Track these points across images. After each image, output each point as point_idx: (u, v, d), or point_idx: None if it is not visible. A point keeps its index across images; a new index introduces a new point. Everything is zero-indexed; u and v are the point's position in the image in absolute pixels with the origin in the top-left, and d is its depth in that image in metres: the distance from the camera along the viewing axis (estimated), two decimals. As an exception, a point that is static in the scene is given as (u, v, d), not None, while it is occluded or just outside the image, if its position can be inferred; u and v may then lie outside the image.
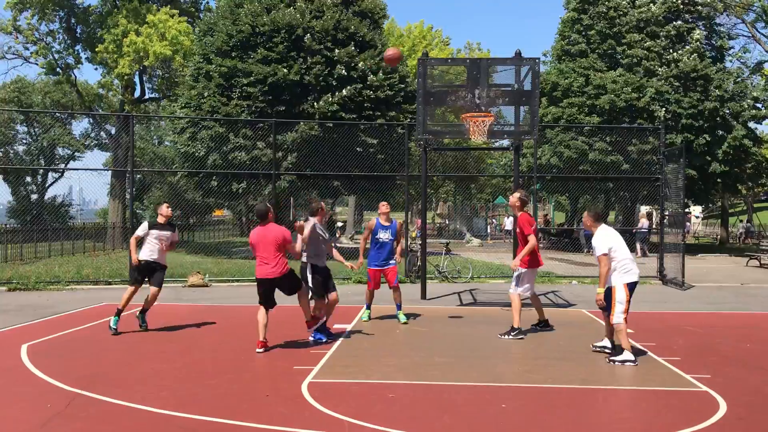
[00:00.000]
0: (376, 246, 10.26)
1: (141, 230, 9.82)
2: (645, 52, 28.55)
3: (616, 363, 7.63)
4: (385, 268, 10.36)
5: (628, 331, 8.00)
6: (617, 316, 7.72)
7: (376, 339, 9.14)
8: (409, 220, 18.69)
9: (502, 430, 5.37)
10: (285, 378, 6.96)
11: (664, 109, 26.80)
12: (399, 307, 10.52)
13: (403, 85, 23.44)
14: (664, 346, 8.70)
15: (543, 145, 27.92)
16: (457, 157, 37.42)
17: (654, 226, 33.53)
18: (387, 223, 10.32)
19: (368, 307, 10.72)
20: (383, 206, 10.38)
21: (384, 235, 10.24)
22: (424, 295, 13.33)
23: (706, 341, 9.17)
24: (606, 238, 7.89)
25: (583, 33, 30.88)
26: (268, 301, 8.52)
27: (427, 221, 55.38)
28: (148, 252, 9.72)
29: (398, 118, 22.58)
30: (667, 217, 17.01)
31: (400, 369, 7.36)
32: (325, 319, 9.06)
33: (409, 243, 17.65)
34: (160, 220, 9.94)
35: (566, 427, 5.53)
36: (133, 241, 10.10)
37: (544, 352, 8.34)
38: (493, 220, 46.16)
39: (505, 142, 23.82)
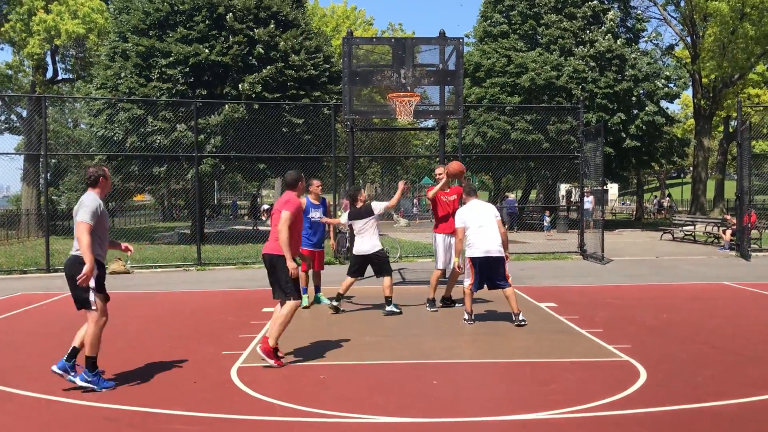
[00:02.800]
0: (309, 226, 9.91)
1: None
2: (562, 32, 29.24)
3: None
4: (318, 250, 10.22)
5: (552, 304, 8.26)
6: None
7: (304, 321, 9.09)
8: (336, 202, 18.63)
9: (433, 405, 5.44)
10: (213, 364, 6.83)
11: (580, 87, 27.56)
12: (318, 289, 10.42)
13: (327, 65, 23.23)
14: (586, 319, 9.00)
15: (467, 125, 28.28)
16: (384, 139, 37.49)
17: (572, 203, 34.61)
18: (317, 202, 10.10)
19: (305, 292, 10.16)
20: (315, 184, 10.11)
21: (316, 215, 10.05)
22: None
23: (626, 313, 9.54)
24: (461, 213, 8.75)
25: (505, 14, 31.36)
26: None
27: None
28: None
29: (324, 98, 22.38)
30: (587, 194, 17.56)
31: (330, 350, 7.34)
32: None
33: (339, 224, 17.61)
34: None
35: (495, 400, 5.66)
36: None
37: (471, 328, 8.48)
38: (419, 201, 46.61)
39: (431, 123, 24.05)
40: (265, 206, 44.10)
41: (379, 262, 9.50)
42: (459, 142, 19.02)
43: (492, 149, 26.83)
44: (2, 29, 27.70)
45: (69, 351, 6.09)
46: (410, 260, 17.07)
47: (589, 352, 7.19)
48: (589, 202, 30.04)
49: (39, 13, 26.04)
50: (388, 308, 9.47)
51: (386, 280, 9.46)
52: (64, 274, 6.19)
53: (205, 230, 24.95)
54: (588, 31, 29.34)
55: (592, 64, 28.21)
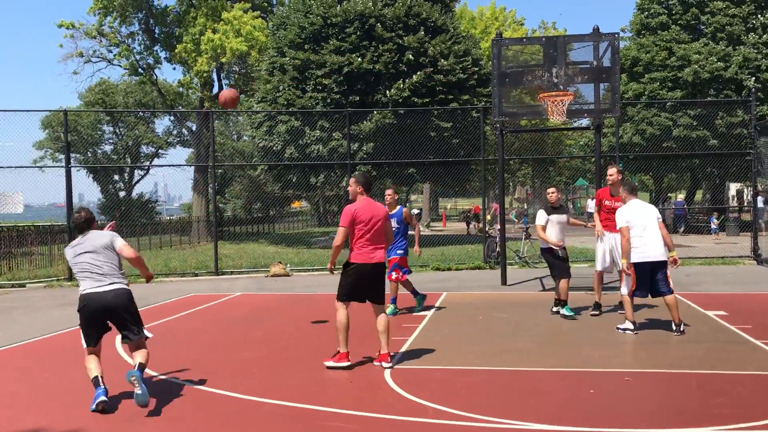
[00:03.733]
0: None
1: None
2: (729, 18, 27.14)
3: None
4: (390, 257, 9.47)
5: (721, 312, 7.70)
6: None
7: (456, 326, 9.07)
8: (485, 206, 18.48)
9: (591, 414, 5.23)
10: (368, 365, 6.99)
11: (753, 78, 25.43)
12: (392, 301, 9.77)
13: (476, 68, 23.14)
14: (761, 328, 8.27)
15: (624, 123, 27.01)
16: (535, 140, 36.71)
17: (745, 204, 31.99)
18: (393, 212, 9.71)
19: (393, 302, 9.78)
20: (388, 194, 9.91)
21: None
22: (504, 281, 13.15)
23: (807, 323, 8.66)
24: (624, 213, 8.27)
25: (664, 4, 29.62)
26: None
27: (507, 206, 54.50)
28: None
29: (472, 101, 22.33)
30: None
31: (481, 355, 7.28)
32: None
33: (486, 228, 17.47)
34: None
35: (656, 412, 5.34)
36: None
37: (631, 337, 8.07)
38: (573, 203, 45.14)
39: (585, 122, 23.23)
40: (415, 210, 44.52)
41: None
42: (616, 141, 18.20)
43: (652, 148, 25.44)
44: (176, 51, 30.17)
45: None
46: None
47: (764, 365, 6.60)
48: (762, 202, 27.72)
49: (207, 33, 28.10)
50: (561, 311, 9.43)
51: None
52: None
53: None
54: (759, 16, 27.02)
55: (766, 51, 25.94)
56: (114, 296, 5.93)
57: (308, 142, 22.00)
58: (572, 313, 9.25)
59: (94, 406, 5.56)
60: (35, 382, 6.70)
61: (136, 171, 50.55)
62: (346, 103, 21.74)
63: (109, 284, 5.95)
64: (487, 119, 18.24)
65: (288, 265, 16.50)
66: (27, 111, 18.35)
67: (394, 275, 9.55)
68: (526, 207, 49.39)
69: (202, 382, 6.45)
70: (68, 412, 5.67)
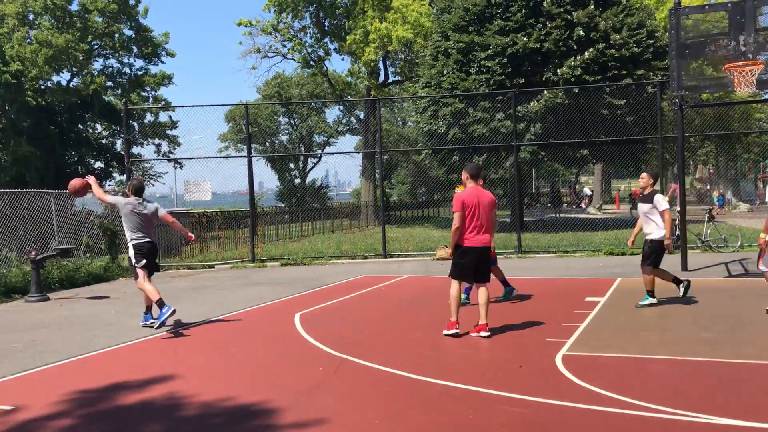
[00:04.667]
0: None
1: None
2: None
3: None
4: None
5: None
6: None
7: (633, 313, 8.66)
8: (664, 187, 17.39)
9: (788, 413, 4.79)
10: (538, 350, 6.89)
11: None
12: (465, 290, 9.36)
13: (651, 41, 21.77)
14: None
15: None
16: (718, 115, 33.88)
17: None
18: None
19: (466, 291, 9.42)
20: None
21: None
22: (684, 267, 12.37)
23: None
24: None
25: None
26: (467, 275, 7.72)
27: (687, 187, 51.09)
28: None
29: (647, 76, 21.05)
30: None
31: (661, 344, 6.90)
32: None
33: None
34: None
35: None
36: None
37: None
38: (764, 183, 41.26)
39: (777, 93, 21.05)
40: (587, 191, 42.88)
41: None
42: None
43: None
44: (345, 42, 31.22)
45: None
46: (753, 249, 15.20)
47: None
48: None
49: (375, 23, 28.79)
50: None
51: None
52: None
53: (525, 218, 25.24)
54: None
55: None
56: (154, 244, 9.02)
57: (470, 122, 21.88)
58: (652, 300, 8.94)
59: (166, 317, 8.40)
60: (224, 355, 7.29)
61: (309, 159, 53.09)
62: (511, 85, 21.35)
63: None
64: (664, 94, 17.11)
65: (454, 249, 16.58)
66: (211, 105, 19.92)
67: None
68: (708, 187, 45.84)
69: (374, 360, 6.68)
70: (253, 383, 6.12)
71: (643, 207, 8.90)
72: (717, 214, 17.59)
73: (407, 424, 4.91)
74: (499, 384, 5.74)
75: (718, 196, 33.96)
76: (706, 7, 13.02)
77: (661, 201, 8.72)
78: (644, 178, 8.97)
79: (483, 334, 7.50)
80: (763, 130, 36.47)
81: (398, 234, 23.29)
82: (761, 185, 41.48)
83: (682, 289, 9.20)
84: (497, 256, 9.71)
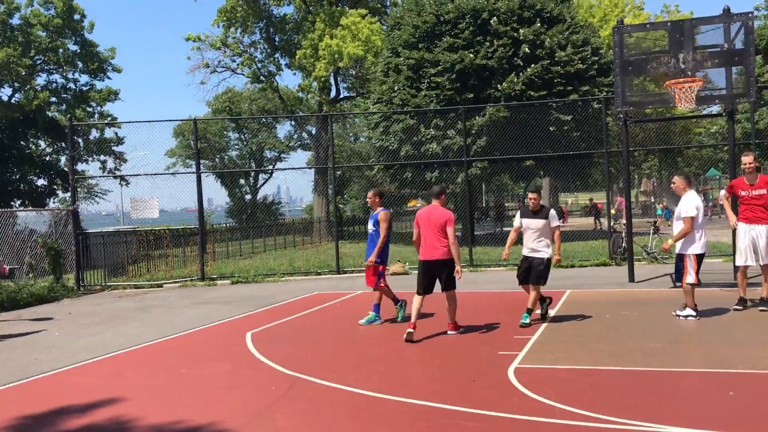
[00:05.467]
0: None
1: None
2: None
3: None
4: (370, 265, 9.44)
5: None
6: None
7: (582, 324, 8.80)
8: (609, 200, 17.80)
9: (731, 419, 4.91)
10: (490, 363, 6.92)
11: None
12: (374, 308, 9.56)
13: (596, 58, 22.36)
14: None
15: (760, 108, 25.22)
16: (661, 130, 34.92)
17: None
18: (372, 213, 9.59)
19: (375, 309, 9.58)
20: (368, 198, 9.67)
21: (369, 227, 9.58)
22: (632, 278, 12.63)
23: None
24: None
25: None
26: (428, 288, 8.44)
27: (633, 200, 52.27)
28: None
29: (592, 92, 21.59)
30: None
31: (611, 355, 7.02)
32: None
33: (611, 224, 16.85)
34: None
35: (811, 419, 4.93)
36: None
37: (776, 336, 7.52)
38: (705, 195, 42.59)
39: (715, 109, 21.88)
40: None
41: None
42: (752, 127, 17.01)
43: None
44: (295, 57, 31.18)
45: None
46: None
47: None
48: None
49: (325, 39, 28.85)
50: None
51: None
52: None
53: (476, 232, 25.47)
54: None
55: None
56: None
57: (423, 140, 22.07)
58: (526, 320, 8.66)
59: None
60: (174, 376, 7.12)
61: (260, 175, 52.66)
62: (460, 100, 21.63)
63: None
64: (609, 110, 17.56)
65: (407, 264, 16.62)
66: (159, 121, 19.55)
67: (381, 283, 9.37)
68: (652, 200, 47.12)
69: (329, 378, 6.61)
70: (204, 405, 5.98)
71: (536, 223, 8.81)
72: (660, 226, 18.05)
73: (362, 442, 4.87)
74: (453, 399, 5.74)
75: (663, 209, 34.89)
76: (648, 26, 13.42)
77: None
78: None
79: (450, 332, 8.48)
80: (703, 144, 37.68)
81: (352, 249, 23.23)
82: (702, 197, 42.82)
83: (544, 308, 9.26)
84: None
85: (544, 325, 8.81)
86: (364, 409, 5.66)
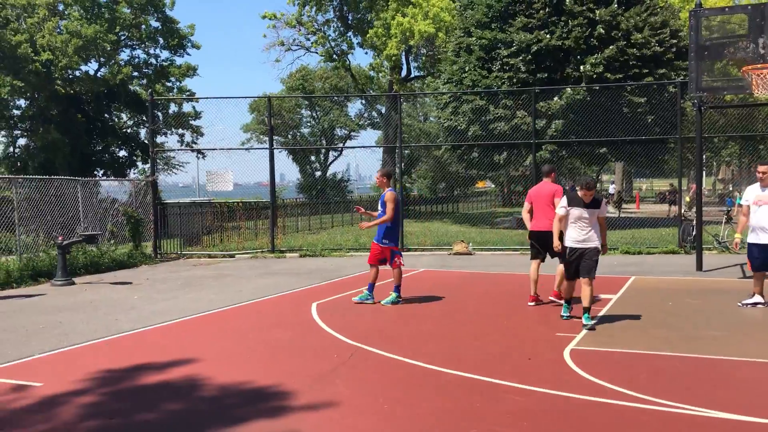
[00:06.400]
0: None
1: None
2: None
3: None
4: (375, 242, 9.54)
5: None
6: None
7: (643, 310, 8.76)
8: (684, 187, 17.38)
9: (787, 410, 4.92)
10: (547, 343, 7.05)
11: None
12: (395, 289, 9.49)
13: (675, 41, 21.68)
14: None
15: None
16: (743, 116, 33.56)
17: None
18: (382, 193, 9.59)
19: (395, 290, 9.50)
20: (376, 176, 9.84)
21: (379, 208, 9.57)
22: (699, 267, 12.40)
23: None
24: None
25: None
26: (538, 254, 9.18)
27: (709, 187, 50.42)
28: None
29: (670, 75, 20.98)
30: None
31: (669, 341, 7.02)
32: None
33: (683, 210, 16.48)
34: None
35: None
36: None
37: None
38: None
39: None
40: (611, 189, 42.59)
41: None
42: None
43: None
44: (367, 36, 31.40)
45: None
46: None
47: None
48: None
49: (397, 17, 28.93)
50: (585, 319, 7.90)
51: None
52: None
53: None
54: None
55: None
56: None
57: (491, 119, 21.96)
58: (590, 322, 7.67)
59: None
60: (242, 341, 7.54)
61: (330, 152, 53.39)
62: (533, 82, 21.39)
63: None
64: (684, 94, 17.08)
65: (470, 244, 16.74)
66: (235, 98, 20.24)
67: (397, 261, 9.41)
68: (731, 188, 45.43)
69: (388, 349, 6.87)
70: (268, 368, 6.35)
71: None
72: (720, 214, 17.49)
73: (415, 409, 5.11)
74: (507, 375, 5.91)
75: (729, 198, 33.63)
76: (726, 9, 13.01)
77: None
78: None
79: (551, 298, 9.22)
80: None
81: (417, 228, 23.43)
82: None
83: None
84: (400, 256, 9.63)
85: (605, 309, 8.82)
86: (420, 379, 5.90)
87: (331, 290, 10.93)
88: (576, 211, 7.89)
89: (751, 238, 8.72)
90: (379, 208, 9.50)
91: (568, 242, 7.96)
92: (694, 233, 13.93)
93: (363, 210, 10.46)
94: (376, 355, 6.73)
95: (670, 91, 20.22)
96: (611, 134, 19.43)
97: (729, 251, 15.18)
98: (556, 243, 8.13)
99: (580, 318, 7.84)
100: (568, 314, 8.20)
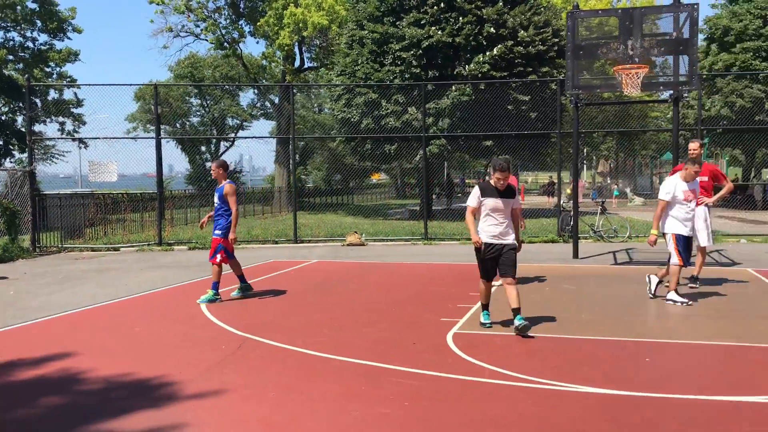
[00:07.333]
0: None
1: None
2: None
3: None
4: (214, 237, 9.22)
5: None
6: None
7: (522, 296, 9.20)
8: (563, 180, 18.34)
9: (642, 381, 5.39)
10: (432, 329, 7.33)
11: None
12: (213, 286, 9.17)
13: (557, 39, 22.77)
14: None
15: (713, 96, 26.05)
16: (619, 113, 35.74)
17: None
18: (218, 187, 9.22)
19: (213, 286, 9.15)
20: (212, 169, 9.33)
21: (215, 200, 9.24)
22: (576, 254, 13.18)
23: None
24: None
25: (760, -30, 28.17)
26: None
27: (588, 180, 53.06)
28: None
29: (552, 73, 22.04)
30: None
31: (545, 324, 7.47)
32: None
33: (562, 202, 17.40)
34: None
35: (709, 381, 5.44)
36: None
37: (697, 311, 8.07)
38: (659, 178, 43.77)
39: (668, 94, 22.54)
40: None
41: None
42: (699, 113, 17.63)
43: (743, 121, 24.42)
44: (258, 24, 30.96)
45: None
46: (640, 240, 16.33)
47: (833, 342, 6.53)
48: None
49: (290, 7, 28.70)
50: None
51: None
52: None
53: (433, 207, 25.95)
54: None
55: None
56: None
57: (383, 113, 22.30)
58: (522, 322, 6.94)
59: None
60: (127, 334, 7.37)
61: (221, 142, 52.25)
62: (425, 77, 21.86)
63: None
64: (564, 92, 18.02)
65: (363, 235, 16.98)
66: (120, 85, 19.46)
67: (218, 257, 9.09)
68: (609, 181, 48.21)
69: (277, 339, 6.94)
70: (154, 360, 6.27)
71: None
72: (597, 204, 18.59)
73: (303, 395, 5.22)
74: (393, 359, 6.13)
75: (595, 191, 35.75)
76: (600, 12, 13.83)
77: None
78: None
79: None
80: (660, 129, 38.63)
81: (311, 220, 23.48)
82: (657, 180, 43.88)
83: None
84: (234, 250, 9.38)
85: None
86: (309, 366, 6.01)
87: (221, 283, 10.80)
88: (490, 202, 7.07)
89: (682, 231, 8.50)
90: (216, 201, 9.10)
91: (484, 237, 7.12)
92: (571, 222, 14.76)
93: (206, 220, 9.72)
94: (266, 345, 6.78)
95: (551, 88, 21.24)
96: (498, 129, 20.20)
97: (603, 240, 16.20)
98: (474, 239, 7.15)
99: (506, 323, 7.30)
100: (489, 321, 7.37)
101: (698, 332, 7.07)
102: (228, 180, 9.21)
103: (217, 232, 9.11)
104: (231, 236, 9.04)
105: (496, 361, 6.00)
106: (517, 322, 6.94)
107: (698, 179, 9.04)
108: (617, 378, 5.51)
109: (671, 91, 12.25)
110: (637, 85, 10.73)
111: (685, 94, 12.14)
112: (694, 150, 9.42)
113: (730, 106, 25.34)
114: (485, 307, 7.47)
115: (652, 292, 8.81)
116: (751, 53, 25.89)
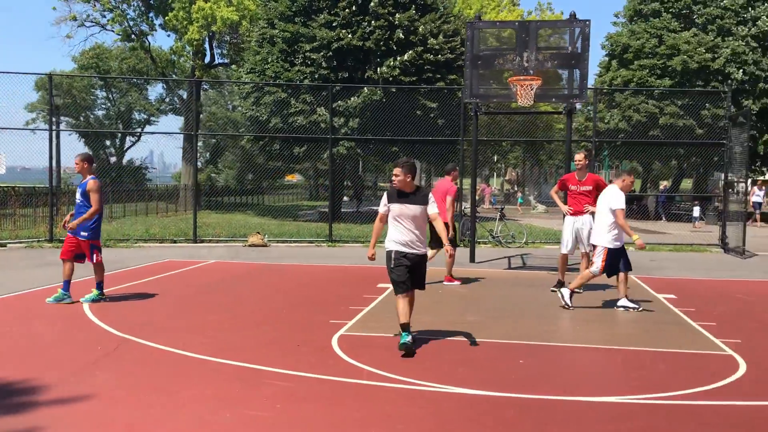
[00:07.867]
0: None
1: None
2: (721, 11, 27.29)
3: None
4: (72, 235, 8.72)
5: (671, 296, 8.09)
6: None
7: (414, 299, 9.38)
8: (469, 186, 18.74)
9: (512, 383, 5.58)
10: (319, 330, 7.33)
11: (741, 71, 25.66)
12: (97, 286, 8.86)
13: (464, 48, 23.24)
14: (703, 312, 8.63)
15: (612, 110, 27.27)
16: (526, 122, 36.82)
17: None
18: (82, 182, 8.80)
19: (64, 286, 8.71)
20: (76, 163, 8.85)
21: (77, 197, 8.77)
22: (472, 258, 13.51)
23: (748, 308, 9.04)
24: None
25: (658, -9, 29.75)
26: None
27: (497, 187, 54.33)
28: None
29: (459, 82, 22.49)
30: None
31: (431, 326, 7.61)
32: None
33: (464, 207, 17.79)
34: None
35: (576, 382, 5.69)
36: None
37: (577, 314, 8.42)
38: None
39: (576, 106, 23.39)
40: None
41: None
42: (594, 126, 18.42)
43: (639, 135, 25.65)
44: (167, 18, 30.16)
45: None
46: (537, 246, 16.91)
47: (693, 344, 6.96)
48: (758, 196, 28.10)
49: (198, 2, 28.09)
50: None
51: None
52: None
53: (343, 209, 25.97)
54: (750, 9, 27.16)
55: (754, 44, 26.15)
56: None
57: (292, 111, 22.16)
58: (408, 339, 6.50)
59: None
60: (2, 333, 7.02)
61: (127, 137, 50.56)
62: (335, 79, 21.86)
63: None
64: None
65: (266, 236, 16.80)
66: (12, 73, 18.50)
67: (95, 257, 8.74)
68: (516, 189, 49.64)
69: (158, 341, 6.76)
70: (22, 361, 5.99)
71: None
72: (495, 210, 19.16)
73: (174, 396, 5.12)
74: (274, 361, 6.09)
75: (495, 197, 36.75)
76: (498, 24, 14.24)
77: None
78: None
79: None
80: (562, 139, 40.01)
81: (214, 219, 23.06)
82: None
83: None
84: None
85: (380, 297, 9.33)
86: (184, 369, 5.90)
87: (110, 282, 10.40)
88: (396, 208, 6.63)
89: (615, 245, 8.61)
90: (79, 197, 8.62)
91: (391, 246, 6.69)
92: (470, 227, 15.10)
93: (68, 219, 8.73)
94: (144, 346, 6.60)
95: (457, 96, 21.67)
96: (407, 134, 20.43)
97: (501, 245, 16.66)
98: (369, 252, 7.00)
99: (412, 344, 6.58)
100: (410, 341, 6.51)
101: (576, 335, 7.39)
102: (92, 175, 8.73)
103: (83, 234, 8.57)
104: (71, 224, 8.43)
105: (377, 363, 6.06)
106: (402, 339, 6.51)
107: (582, 188, 9.50)
108: (490, 379, 5.68)
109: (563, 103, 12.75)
110: (531, 96, 11.10)
111: (578, 107, 12.65)
112: (579, 161, 9.84)
113: (627, 120, 26.55)
114: (405, 327, 6.55)
115: (568, 303, 8.75)
116: (647, 70, 27.22)
